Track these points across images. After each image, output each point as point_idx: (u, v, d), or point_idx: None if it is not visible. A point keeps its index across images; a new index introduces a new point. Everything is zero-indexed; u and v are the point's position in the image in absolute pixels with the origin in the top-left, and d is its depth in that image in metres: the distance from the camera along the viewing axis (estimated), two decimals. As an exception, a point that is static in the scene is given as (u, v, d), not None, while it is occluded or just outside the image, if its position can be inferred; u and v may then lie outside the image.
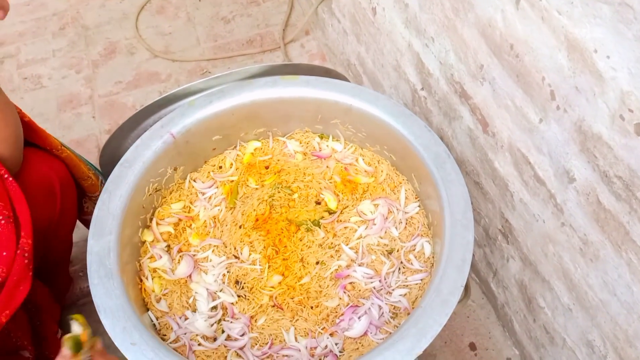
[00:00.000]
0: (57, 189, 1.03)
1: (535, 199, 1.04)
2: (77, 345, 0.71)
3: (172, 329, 0.98)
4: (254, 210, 1.11)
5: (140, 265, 1.04)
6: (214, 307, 1.01)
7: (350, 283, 1.02)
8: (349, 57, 1.82)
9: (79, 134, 1.84)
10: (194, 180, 1.17)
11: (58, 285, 1.27)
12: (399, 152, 1.11)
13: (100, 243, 0.94)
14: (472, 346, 1.34)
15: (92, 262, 0.92)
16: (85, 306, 1.46)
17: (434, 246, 1.05)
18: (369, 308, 0.98)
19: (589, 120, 0.82)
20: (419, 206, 1.11)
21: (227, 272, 1.05)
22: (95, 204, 1.21)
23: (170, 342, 0.96)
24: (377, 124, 1.09)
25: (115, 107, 1.89)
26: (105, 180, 1.26)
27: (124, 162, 1.04)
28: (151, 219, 1.10)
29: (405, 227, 1.08)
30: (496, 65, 1.00)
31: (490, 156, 1.13)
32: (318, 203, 1.13)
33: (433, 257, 1.05)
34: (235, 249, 1.07)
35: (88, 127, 1.85)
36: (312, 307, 1.00)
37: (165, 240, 1.09)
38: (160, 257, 1.05)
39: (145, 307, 1.01)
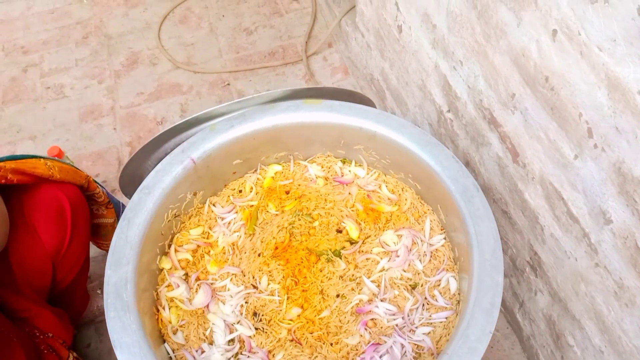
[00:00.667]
0: (68, 212, 1.02)
1: (568, 235, 0.99)
2: None
3: (188, 362, 0.96)
4: (274, 238, 1.08)
5: (157, 294, 1.03)
6: (231, 340, 0.99)
7: (372, 319, 0.98)
8: (372, 72, 1.78)
9: (99, 145, 1.83)
10: (214, 205, 1.15)
11: (74, 306, 1.26)
12: (425, 181, 1.07)
13: (117, 274, 0.92)
14: (496, 378, 1.30)
15: (109, 294, 0.90)
16: (102, 323, 1.45)
17: (460, 282, 1.01)
18: (391, 346, 0.95)
19: (630, 162, 0.77)
20: (445, 238, 1.07)
21: (245, 302, 1.02)
22: (98, 203, 1.19)
23: (186, 377, 0.94)
24: (402, 152, 1.06)
25: (136, 118, 1.89)
26: (115, 205, 1.26)
27: (143, 188, 1.02)
28: (169, 246, 1.09)
29: (430, 260, 1.04)
30: (529, 96, 0.96)
31: (520, 187, 1.09)
32: (339, 231, 1.10)
33: (459, 293, 1.01)
34: (253, 278, 1.05)
35: (109, 139, 1.85)
36: (331, 344, 0.97)
37: (183, 268, 1.07)
38: (178, 286, 1.03)
39: (162, 338, 0.99)
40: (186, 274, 1.06)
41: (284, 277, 1.04)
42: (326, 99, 1.13)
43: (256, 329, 1.00)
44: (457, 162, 1.00)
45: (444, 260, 1.04)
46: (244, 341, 0.99)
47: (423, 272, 1.03)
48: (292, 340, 0.99)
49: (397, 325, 0.98)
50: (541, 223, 1.06)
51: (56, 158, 1.06)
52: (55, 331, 1.09)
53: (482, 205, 0.95)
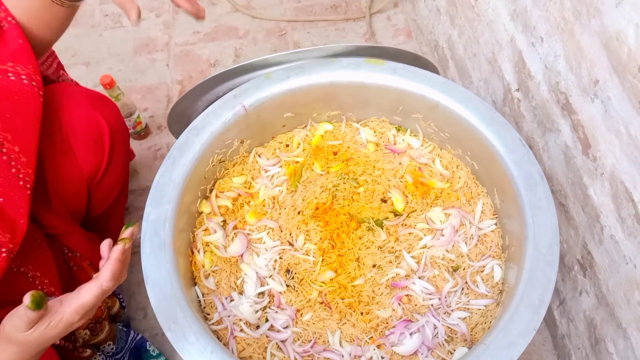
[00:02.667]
0: (107, 137, 1.00)
1: (630, 239, 0.92)
2: (38, 303, 0.60)
3: (216, 309, 0.95)
4: (316, 198, 1.05)
5: (194, 236, 1.02)
6: (261, 293, 0.97)
7: (407, 295, 0.95)
8: (437, 38, 1.69)
9: (151, 80, 1.82)
10: (259, 156, 1.12)
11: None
12: (484, 161, 1.01)
13: (157, 211, 0.91)
14: (521, 373, 1.26)
15: (146, 230, 0.89)
16: (134, 255, 1.47)
17: (505, 271, 0.96)
18: (423, 325, 0.92)
19: None
20: (496, 224, 1.01)
21: (280, 258, 1.00)
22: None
23: (213, 323, 0.93)
24: (465, 127, 0.99)
25: (190, 57, 1.86)
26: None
27: (192, 129, 1.00)
28: (211, 190, 1.07)
29: (477, 244, 0.99)
30: (615, 85, 0.87)
31: (586, 181, 1.01)
32: (384, 201, 1.06)
33: (502, 283, 0.96)
34: (290, 235, 1.02)
35: (160, 75, 1.83)
36: (361, 313, 0.95)
37: (222, 215, 1.05)
38: (215, 231, 1.02)
39: (193, 281, 0.99)
40: (224, 221, 1.05)
41: (321, 238, 1.01)
42: (389, 60, 1.07)
43: (287, 286, 0.98)
44: (524, 146, 0.93)
45: (491, 247, 0.99)
46: (273, 296, 0.97)
47: (467, 255, 0.98)
48: (321, 303, 0.97)
49: (432, 305, 0.94)
50: (602, 222, 0.99)
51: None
52: (84, 252, 1.09)
53: (544, 196, 0.88)
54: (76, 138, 0.97)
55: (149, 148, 1.67)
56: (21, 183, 0.79)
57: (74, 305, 0.65)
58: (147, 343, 1.24)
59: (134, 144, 1.68)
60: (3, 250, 0.75)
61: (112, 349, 1.12)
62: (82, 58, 1.88)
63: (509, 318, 0.79)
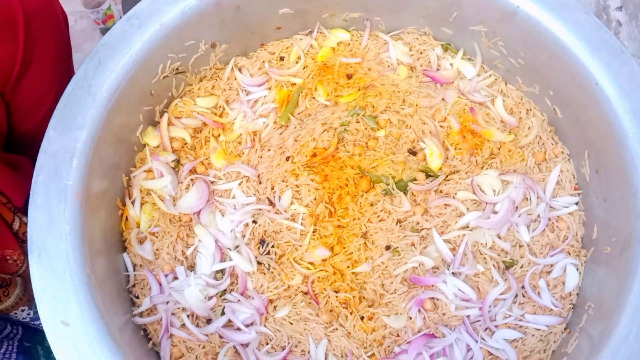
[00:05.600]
0: (20, 19, 0.68)
1: None
2: None
3: (149, 290, 0.65)
4: (314, 139, 0.72)
5: (129, 180, 0.70)
6: (220, 272, 0.67)
7: (432, 299, 0.64)
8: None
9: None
10: (239, 69, 0.78)
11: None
12: (575, 106, 0.66)
13: (62, 140, 0.59)
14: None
15: (41, 168, 0.58)
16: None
17: (586, 279, 0.64)
18: (452, 345, 0.62)
19: None
20: (578, 204, 0.68)
21: (253, 222, 0.69)
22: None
23: (139, 314, 0.64)
24: (553, 50, 0.64)
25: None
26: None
27: (132, 17, 0.66)
28: (162, 114, 0.74)
29: (544, 231, 0.67)
30: None
31: None
32: (413, 153, 0.72)
33: (577, 294, 0.64)
34: (272, 189, 0.71)
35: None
36: (362, 318, 0.64)
37: (175, 151, 0.73)
38: (162, 175, 0.70)
39: (123, 244, 0.68)
40: (177, 161, 0.73)
41: (315, 199, 0.69)
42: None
43: (259, 263, 0.67)
44: (649, 88, 0.58)
45: (566, 237, 0.66)
46: (237, 277, 0.67)
47: (529, 246, 0.66)
48: (306, 294, 0.67)
49: (468, 316, 0.63)
50: None
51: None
52: (4, 188, 0.80)
53: (679, 173, 0.54)
54: None
55: (121, 52, 1.33)
56: None
57: None
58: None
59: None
60: None
61: (29, 314, 0.84)
62: None
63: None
